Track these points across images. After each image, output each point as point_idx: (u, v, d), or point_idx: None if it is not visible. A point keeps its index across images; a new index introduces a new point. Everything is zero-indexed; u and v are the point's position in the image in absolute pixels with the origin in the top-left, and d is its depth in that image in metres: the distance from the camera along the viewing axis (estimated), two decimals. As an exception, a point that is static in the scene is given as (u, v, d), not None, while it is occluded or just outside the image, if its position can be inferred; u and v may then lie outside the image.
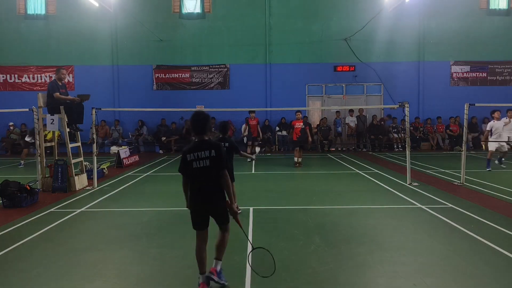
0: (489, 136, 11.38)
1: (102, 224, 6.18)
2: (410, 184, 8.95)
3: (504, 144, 11.14)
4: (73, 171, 8.96)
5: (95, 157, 9.37)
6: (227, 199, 3.83)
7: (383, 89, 18.77)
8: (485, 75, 18.65)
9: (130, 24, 18.12)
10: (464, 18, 18.22)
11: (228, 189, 3.79)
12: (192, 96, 18.40)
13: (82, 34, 18.31)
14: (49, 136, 11.19)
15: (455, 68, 18.68)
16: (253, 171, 11.60)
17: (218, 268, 3.85)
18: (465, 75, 18.70)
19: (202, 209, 3.78)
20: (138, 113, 17.75)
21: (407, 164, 9.18)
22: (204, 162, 3.68)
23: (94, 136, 9.50)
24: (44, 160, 9.11)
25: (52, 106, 8.93)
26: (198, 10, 18.48)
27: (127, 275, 4.13)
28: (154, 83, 18.70)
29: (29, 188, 7.47)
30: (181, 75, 18.71)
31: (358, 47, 18.29)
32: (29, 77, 18.68)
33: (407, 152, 9.20)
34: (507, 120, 11.19)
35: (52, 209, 7.03)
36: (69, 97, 9.16)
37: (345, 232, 5.48)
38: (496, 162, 11.56)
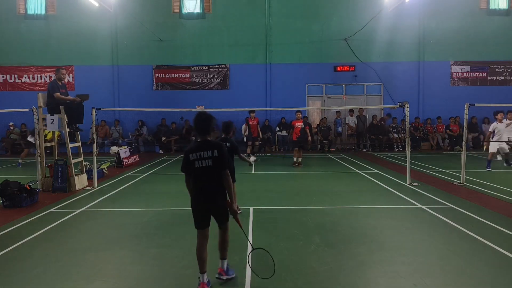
0: (491, 138, 11.40)
1: (102, 224, 6.18)
2: (410, 184, 8.95)
3: (505, 144, 11.15)
4: (73, 171, 8.96)
5: (95, 157, 9.37)
6: (228, 198, 3.87)
7: (383, 89, 18.77)
8: (485, 75, 18.65)
9: (130, 24, 18.12)
10: (464, 18, 18.22)
11: (229, 189, 3.84)
12: (192, 96, 18.41)
13: (82, 34, 18.31)
14: (49, 136, 11.20)
15: (455, 68, 18.68)
16: (253, 171, 11.60)
17: (225, 266, 3.97)
18: (465, 75, 18.70)
19: (204, 208, 3.83)
20: (138, 113, 17.76)
21: (407, 164, 9.18)
22: (207, 162, 3.74)
23: (94, 136, 9.50)
24: (44, 160, 9.11)
25: (52, 106, 8.93)
26: (198, 10, 18.49)
27: (127, 275, 4.13)
28: (154, 83, 18.71)
29: (29, 188, 7.47)
30: (181, 75, 18.71)
31: (358, 47, 18.29)
32: (29, 77, 18.68)
33: (407, 152, 9.20)
34: (508, 121, 11.21)
35: (52, 209, 7.03)
36: (70, 97, 9.16)
37: (345, 232, 5.48)
38: (505, 164, 11.59)
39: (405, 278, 3.94)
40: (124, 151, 13.09)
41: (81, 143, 9.77)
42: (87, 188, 9.07)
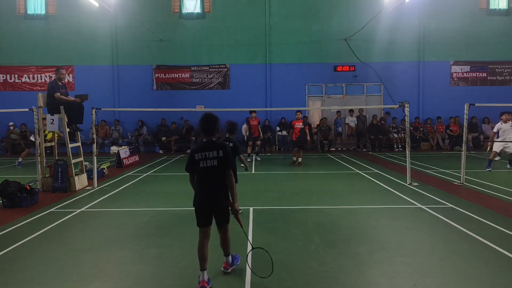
0: (495, 138, 11.39)
1: (102, 224, 6.18)
2: (410, 184, 8.95)
3: (510, 145, 11.12)
4: (73, 171, 8.96)
5: (95, 157, 9.37)
6: (230, 198, 3.95)
7: (383, 89, 18.77)
8: (485, 75, 18.65)
9: (130, 24, 18.12)
10: (464, 18, 18.22)
11: (232, 189, 3.92)
12: (192, 96, 18.42)
13: (82, 34, 18.31)
14: (49, 136, 11.20)
15: (455, 68, 18.68)
16: (253, 171, 11.60)
17: (230, 260, 4.14)
18: (465, 75, 18.71)
19: (207, 208, 3.90)
20: (138, 113, 17.77)
21: (407, 164, 9.18)
22: (212, 162, 3.83)
23: (94, 136, 9.50)
24: (44, 160, 9.11)
25: (52, 106, 8.93)
26: (198, 10, 18.49)
27: (127, 275, 4.13)
28: (154, 83, 18.71)
29: (29, 188, 7.47)
30: (181, 75, 18.72)
31: (358, 47, 18.29)
32: (29, 77, 18.69)
33: (407, 152, 9.20)
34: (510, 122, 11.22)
35: (52, 209, 7.03)
36: (70, 98, 9.17)
37: (345, 232, 5.48)
38: (508, 166, 11.58)
39: (405, 278, 3.95)
40: (124, 151, 13.09)
41: (81, 143, 9.77)
42: (87, 188, 9.07)
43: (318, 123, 18.26)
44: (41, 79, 18.68)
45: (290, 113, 16.63)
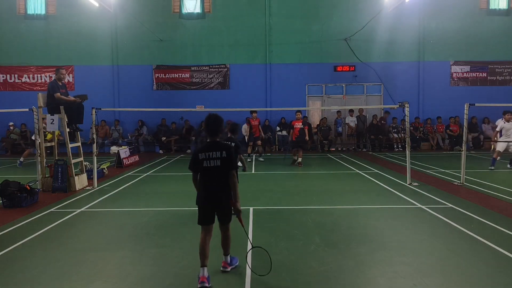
0: (498, 137, 11.38)
1: (102, 224, 6.18)
2: (410, 184, 8.95)
3: None
4: (73, 171, 8.96)
5: (95, 157, 9.37)
6: (232, 198, 4.00)
7: (383, 89, 18.77)
8: (485, 75, 18.65)
9: (130, 24, 18.12)
10: (464, 18, 18.23)
11: (234, 188, 3.98)
12: (192, 96, 18.42)
13: (82, 34, 18.31)
14: (49, 136, 11.20)
15: (455, 68, 18.68)
16: (253, 171, 11.60)
17: (228, 260, 4.17)
18: (465, 75, 18.71)
19: (209, 207, 3.97)
20: (138, 113, 17.76)
21: (407, 164, 9.18)
22: (215, 162, 3.90)
23: (94, 136, 9.50)
24: (44, 160, 9.11)
25: (52, 106, 8.93)
26: (198, 10, 18.49)
27: (127, 275, 4.13)
28: (154, 83, 18.71)
29: (29, 188, 7.47)
30: (181, 75, 18.72)
31: (358, 47, 18.29)
32: (29, 77, 18.69)
33: (407, 152, 9.20)
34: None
35: (52, 209, 7.03)
36: (70, 98, 9.17)
37: (345, 232, 5.48)
38: (508, 166, 11.56)
39: (405, 278, 3.94)
40: (124, 151, 13.09)
41: (81, 143, 9.77)
42: (87, 188, 9.07)
43: (318, 123, 18.26)
44: (41, 79, 18.68)
45: (290, 113, 16.62)
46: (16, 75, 18.68)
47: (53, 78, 9.88)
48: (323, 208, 6.97)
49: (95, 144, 9.47)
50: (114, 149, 16.34)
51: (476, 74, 18.68)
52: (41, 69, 18.62)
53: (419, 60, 18.56)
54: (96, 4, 16.53)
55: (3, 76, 18.69)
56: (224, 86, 18.69)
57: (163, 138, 17.56)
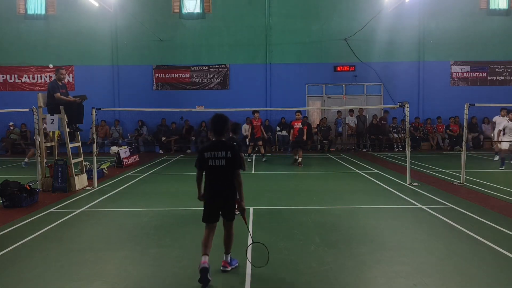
0: (501, 135, 11.35)
1: (102, 224, 6.18)
2: (410, 184, 8.95)
3: None
4: (73, 171, 8.96)
5: (95, 157, 9.37)
6: (237, 197, 4.11)
7: (383, 89, 18.77)
8: (485, 75, 18.65)
9: (130, 24, 18.12)
10: (464, 18, 18.22)
11: (239, 188, 4.09)
12: (192, 96, 18.41)
13: (82, 34, 18.30)
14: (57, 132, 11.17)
15: (455, 68, 18.68)
16: (253, 171, 11.60)
17: (228, 259, 4.19)
18: (465, 75, 18.70)
19: (215, 205, 4.06)
20: (138, 113, 17.75)
21: (407, 164, 9.18)
22: (220, 161, 3.99)
23: (94, 136, 9.50)
24: (44, 160, 9.11)
25: (52, 106, 8.93)
26: (198, 10, 18.49)
27: (127, 275, 4.13)
28: (154, 83, 18.71)
29: (29, 188, 7.47)
30: (181, 75, 18.71)
31: (358, 47, 18.29)
32: (29, 77, 18.68)
33: (407, 152, 9.20)
34: None
35: (52, 209, 7.03)
36: (70, 98, 9.16)
37: (345, 232, 5.48)
38: (499, 162, 11.54)
39: (405, 278, 3.94)
40: (124, 151, 13.09)
41: (81, 143, 9.77)
42: (87, 188, 9.07)
43: (318, 123, 18.26)
44: (41, 79, 18.68)
45: (290, 113, 16.62)
46: (16, 75, 18.68)
47: (53, 78, 9.88)
48: (323, 208, 6.97)
49: (95, 144, 9.47)
50: (114, 149, 16.34)
51: (476, 74, 18.67)
52: (41, 69, 18.61)
53: (419, 60, 18.56)
54: (96, 4, 16.53)
55: (3, 76, 18.69)
56: (224, 86, 18.69)
57: (163, 138, 17.56)
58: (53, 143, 9.95)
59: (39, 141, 8.93)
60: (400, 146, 17.33)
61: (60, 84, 9.05)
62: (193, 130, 18.03)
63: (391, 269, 4.18)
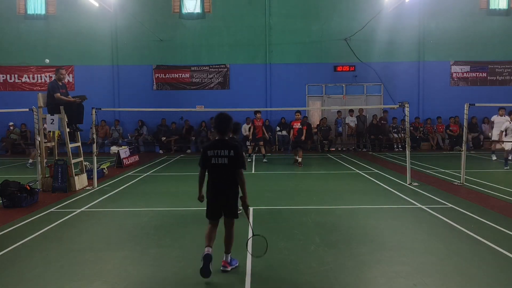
0: (503, 135, 11.37)
1: (102, 224, 6.18)
2: (410, 184, 8.95)
3: None
4: (73, 171, 8.96)
5: (95, 157, 9.37)
6: (241, 194, 4.16)
7: (383, 89, 18.77)
8: (485, 75, 18.65)
9: (130, 24, 18.11)
10: (464, 18, 18.21)
11: (242, 186, 4.13)
12: (192, 96, 18.41)
13: (82, 34, 18.30)
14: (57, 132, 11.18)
15: (455, 68, 18.68)
16: (253, 171, 11.60)
17: (228, 259, 4.21)
18: (465, 75, 18.70)
19: (217, 202, 4.11)
20: (138, 113, 17.75)
21: (407, 164, 9.18)
22: (223, 160, 4.04)
23: (94, 136, 9.50)
24: (44, 160, 9.11)
25: (52, 106, 8.93)
26: (198, 10, 18.48)
27: (127, 275, 4.13)
28: (154, 83, 18.71)
29: (29, 188, 7.47)
30: (181, 75, 18.71)
31: (358, 47, 18.28)
32: (29, 77, 18.68)
33: (407, 152, 9.20)
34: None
35: (52, 209, 7.03)
36: (70, 98, 9.17)
37: (345, 232, 5.48)
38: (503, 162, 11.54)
39: (405, 278, 3.94)
40: (124, 151, 13.09)
41: (81, 143, 9.77)
42: (87, 188, 9.07)
43: (318, 123, 18.26)
44: (41, 79, 18.67)
45: (290, 113, 16.60)
46: (16, 75, 18.68)
47: (53, 78, 9.88)
48: (323, 208, 6.98)
49: (95, 144, 9.47)
50: (114, 149, 16.33)
51: (476, 74, 18.67)
52: (41, 69, 18.61)
53: (419, 60, 18.55)
54: (96, 4, 16.53)
55: (3, 76, 18.68)
56: (224, 86, 18.69)
57: (163, 138, 17.56)
58: (53, 143, 9.96)
59: (39, 141, 8.93)
60: (400, 146, 17.33)
61: (60, 84, 9.05)
62: (193, 130, 18.03)
63: (391, 269, 4.18)
